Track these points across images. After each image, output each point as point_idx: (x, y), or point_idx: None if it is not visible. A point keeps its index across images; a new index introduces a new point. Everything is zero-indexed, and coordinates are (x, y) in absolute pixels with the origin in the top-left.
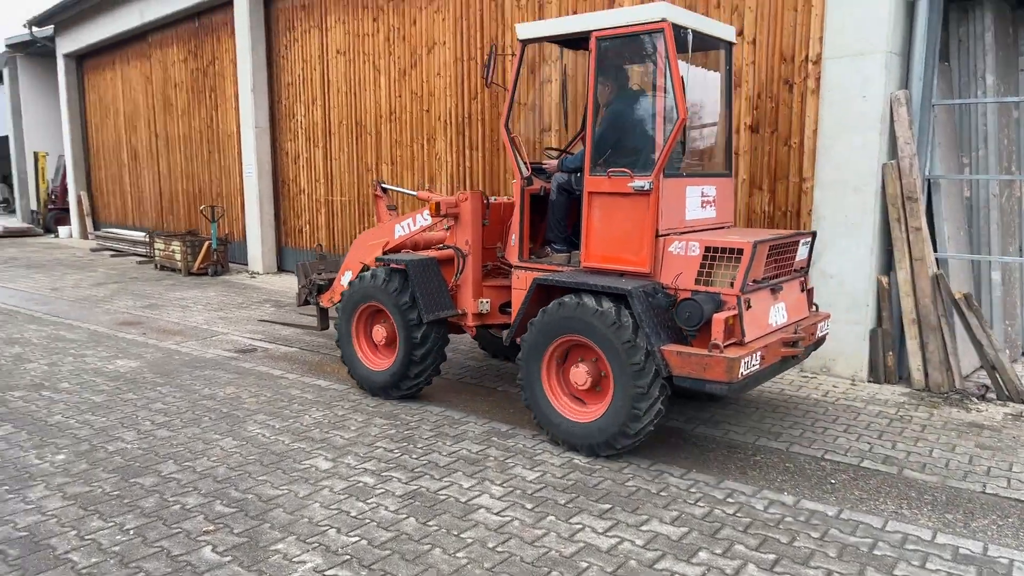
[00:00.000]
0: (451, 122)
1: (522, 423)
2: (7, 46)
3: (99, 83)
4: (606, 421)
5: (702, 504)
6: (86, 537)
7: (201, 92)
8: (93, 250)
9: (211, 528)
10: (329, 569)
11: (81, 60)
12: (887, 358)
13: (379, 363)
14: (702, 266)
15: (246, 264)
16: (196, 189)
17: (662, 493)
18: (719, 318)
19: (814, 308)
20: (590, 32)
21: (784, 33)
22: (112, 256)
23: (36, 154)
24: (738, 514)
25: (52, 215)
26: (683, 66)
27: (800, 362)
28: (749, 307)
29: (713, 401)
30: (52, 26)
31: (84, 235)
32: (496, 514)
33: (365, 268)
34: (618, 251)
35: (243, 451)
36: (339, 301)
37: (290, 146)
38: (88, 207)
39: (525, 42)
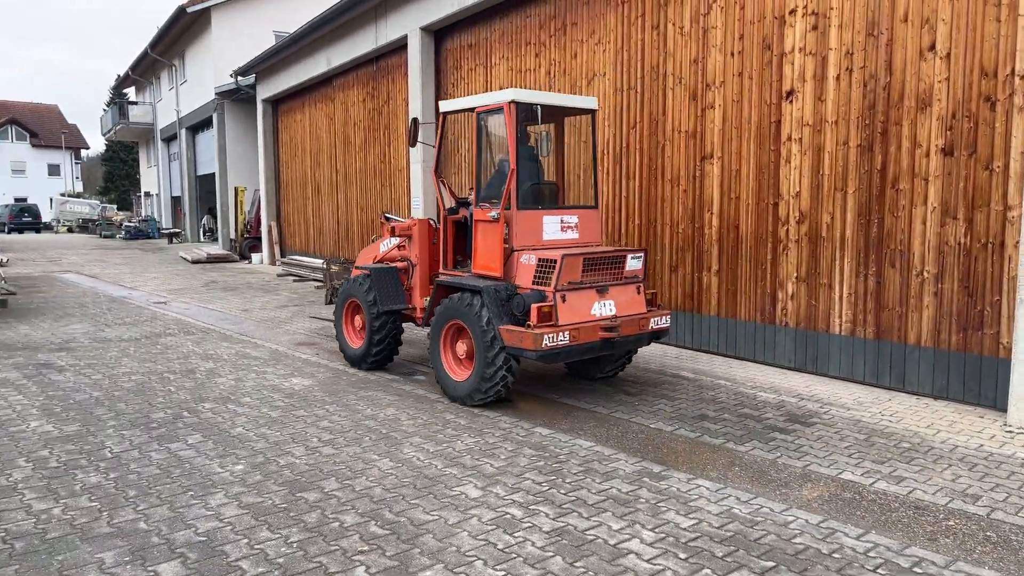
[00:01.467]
0: (609, 152)
1: (676, 464)
2: (216, 94)
3: (290, 124)
4: (472, 380)
5: (883, 572)
6: (255, 546)
7: (376, 130)
8: (279, 275)
9: (365, 548)
10: None
11: (276, 104)
12: None
13: (356, 343)
14: (537, 271)
15: None
16: (369, 220)
17: (835, 555)
18: (535, 307)
19: (657, 307)
20: (475, 108)
21: (985, 46)
22: (294, 281)
23: (236, 188)
24: None
25: (247, 243)
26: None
27: (634, 344)
28: (564, 300)
29: (893, 453)
30: (254, 75)
31: (273, 262)
32: (647, 561)
33: None
34: (488, 261)
35: (399, 473)
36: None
37: (453, 179)
38: (277, 236)
39: (444, 113)
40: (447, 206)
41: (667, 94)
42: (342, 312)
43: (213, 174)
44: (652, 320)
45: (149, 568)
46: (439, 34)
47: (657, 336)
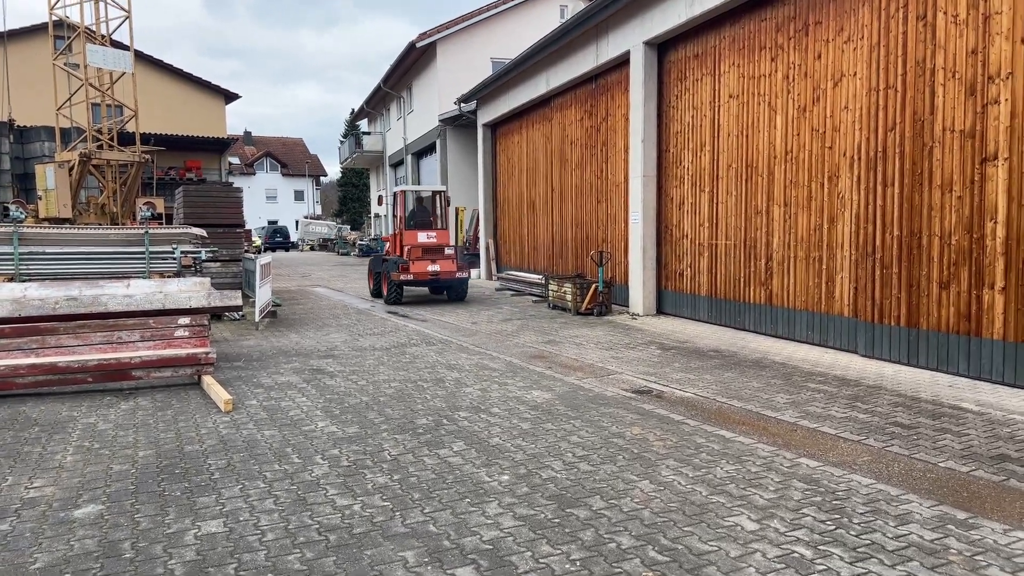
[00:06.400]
0: (859, 158)
1: (984, 511)
2: (440, 121)
3: (508, 146)
4: (387, 294)
5: None
6: (540, 560)
7: (593, 147)
8: (497, 290)
9: (649, 574)
10: None
11: (495, 128)
12: None
13: (371, 286)
14: (409, 252)
15: (626, 306)
16: (583, 236)
17: None
18: (400, 265)
19: (465, 268)
20: (397, 192)
21: None
22: (512, 295)
23: (456, 208)
24: None
25: (466, 259)
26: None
27: (448, 283)
28: (414, 262)
29: None
30: (475, 102)
31: (490, 276)
32: None
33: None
34: (396, 250)
35: (663, 496)
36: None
37: (675, 192)
38: (493, 252)
39: (396, 194)
40: (396, 228)
41: (936, 91)
42: (368, 272)
43: None
44: (457, 273)
45: (448, 571)
46: (662, 47)
47: (461, 281)
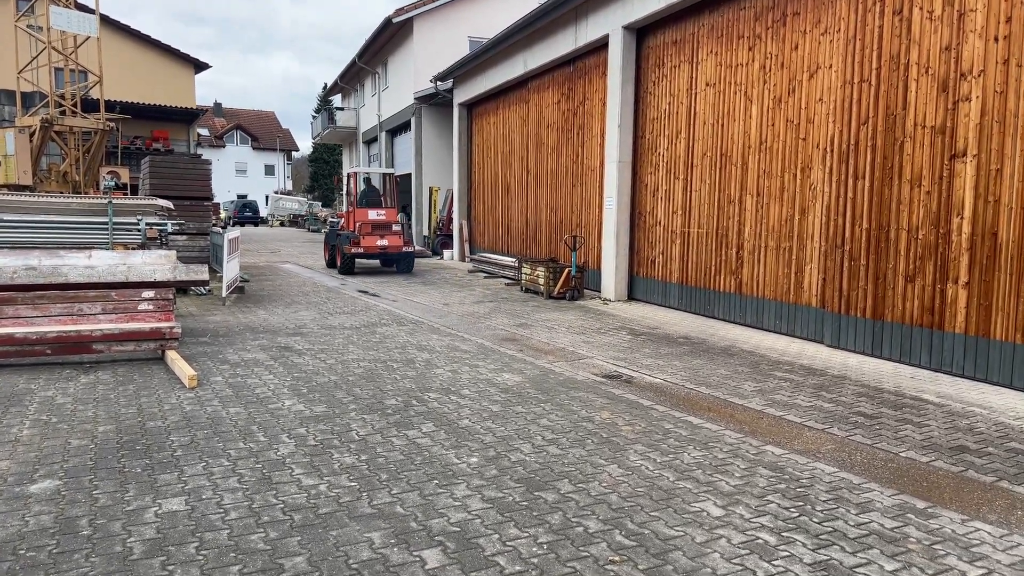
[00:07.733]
0: (832, 150)
1: (943, 501)
2: (415, 99)
3: (484, 127)
4: (340, 264)
5: None
6: (508, 543)
7: (570, 131)
8: (470, 271)
9: (616, 559)
10: None
11: (471, 108)
12: None
13: (327, 257)
14: (359, 228)
15: (598, 291)
16: (558, 220)
17: None
18: (352, 240)
19: (411, 244)
20: (351, 172)
21: None
22: (485, 278)
23: (430, 188)
24: None
25: (439, 240)
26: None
27: (396, 256)
28: (365, 237)
29: None
30: (451, 80)
31: (463, 258)
32: None
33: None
34: (351, 226)
35: (630, 481)
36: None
37: (650, 179)
38: (467, 234)
39: (348, 175)
40: (349, 205)
41: (909, 86)
42: (324, 245)
43: (409, 174)
44: (403, 248)
45: (414, 552)
46: (641, 32)
47: (407, 254)
